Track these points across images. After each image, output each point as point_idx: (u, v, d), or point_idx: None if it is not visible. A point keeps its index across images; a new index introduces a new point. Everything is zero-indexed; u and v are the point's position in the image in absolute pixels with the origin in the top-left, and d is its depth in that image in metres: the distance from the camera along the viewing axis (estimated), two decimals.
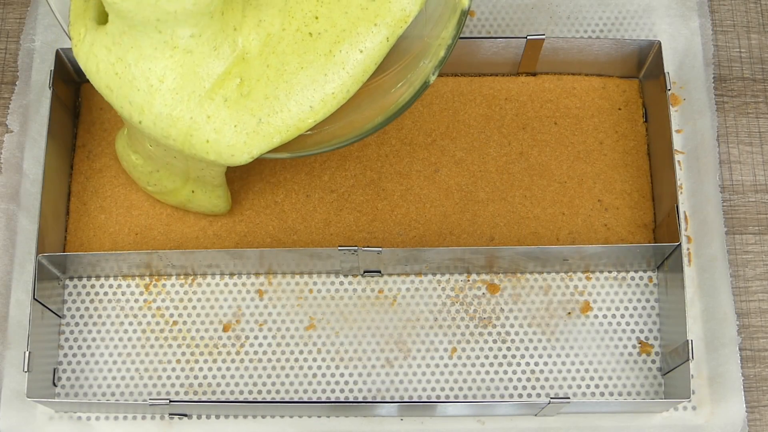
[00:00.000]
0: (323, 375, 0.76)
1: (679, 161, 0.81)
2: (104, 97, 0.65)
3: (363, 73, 0.65)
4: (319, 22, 0.65)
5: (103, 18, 0.65)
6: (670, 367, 0.74)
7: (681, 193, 0.80)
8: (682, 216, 0.79)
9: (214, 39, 0.63)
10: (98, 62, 0.64)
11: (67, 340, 0.77)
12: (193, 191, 0.76)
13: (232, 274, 0.78)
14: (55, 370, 0.76)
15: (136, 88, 0.64)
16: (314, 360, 0.76)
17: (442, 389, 0.76)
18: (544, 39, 0.77)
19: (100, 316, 0.78)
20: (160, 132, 0.65)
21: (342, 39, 0.64)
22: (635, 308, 0.77)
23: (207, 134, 0.64)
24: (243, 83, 0.64)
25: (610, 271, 0.78)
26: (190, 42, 0.63)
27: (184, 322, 0.77)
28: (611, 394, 0.75)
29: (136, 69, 0.63)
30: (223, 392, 0.76)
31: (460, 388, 0.76)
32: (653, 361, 0.76)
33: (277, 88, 0.64)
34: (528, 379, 0.76)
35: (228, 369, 0.76)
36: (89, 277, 0.78)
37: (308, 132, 0.66)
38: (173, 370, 0.76)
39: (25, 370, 0.71)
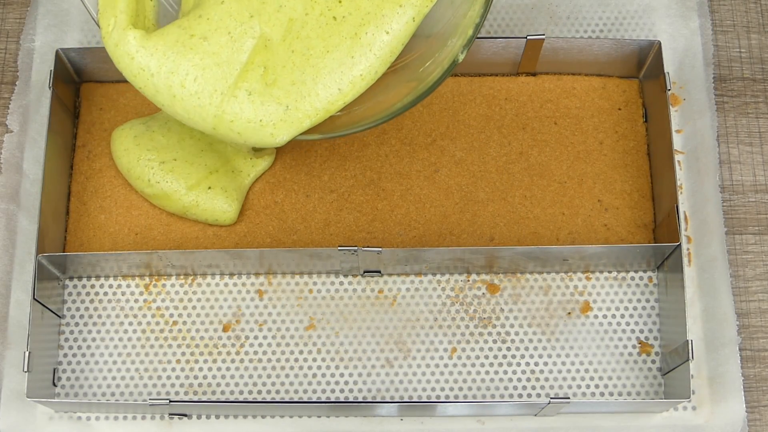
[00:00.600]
0: (323, 375, 0.76)
1: (679, 161, 0.81)
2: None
3: (390, 54, 0.65)
4: (342, 6, 0.65)
5: (132, 12, 0.66)
6: (670, 367, 0.74)
7: (681, 193, 0.80)
8: (682, 216, 0.79)
9: (227, 25, 0.64)
10: (122, 64, 0.65)
11: (67, 340, 0.77)
12: (197, 201, 0.77)
13: (232, 274, 0.78)
14: (55, 370, 0.76)
15: (160, 99, 0.66)
16: (314, 360, 0.76)
17: (442, 389, 0.76)
18: (544, 39, 0.77)
19: (100, 316, 0.78)
20: (192, 125, 0.67)
21: (367, 21, 0.65)
22: (635, 308, 0.77)
23: (232, 134, 0.66)
24: (267, 71, 0.65)
25: (610, 271, 0.78)
26: (204, 26, 0.63)
27: (184, 322, 0.77)
28: (611, 394, 0.75)
29: (158, 78, 0.65)
30: (223, 392, 0.76)
31: (460, 388, 0.76)
32: (653, 361, 0.76)
33: (303, 73, 0.65)
34: (528, 379, 0.76)
35: (228, 369, 0.76)
36: (89, 277, 0.78)
37: (337, 113, 0.67)
38: (173, 370, 0.76)
39: (25, 370, 0.71)
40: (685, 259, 0.78)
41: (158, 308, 0.78)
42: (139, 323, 0.77)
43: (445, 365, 0.76)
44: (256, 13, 0.65)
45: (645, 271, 0.78)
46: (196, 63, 0.65)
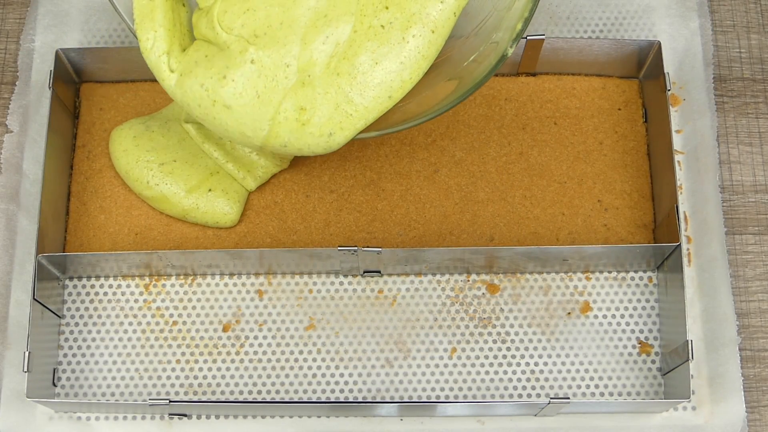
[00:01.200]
0: (323, 375, 0.76)
1: (679, 161, 0.81)
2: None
3: (436, 51, 0.65)
4: (389, 11, 0.65)
5: (170, 23, 0.66)
6: (670, 367, 0.74)
7: (681, 193, 0.80)
8: (681, 216, 0.79)
9: (255, 85, 0.65)
10: (165, 82, 0.66)
11: (67, 340, 0.77)
12: (197, 204, 0.77)
13: (231, 274, 0.78)
14: (55, 370, 0.76)
15: (209, 123, 0.67)
16: (314, 360, 0.76)
17: (442, 389, 0.76)
18: (543, 39, 0.77)
19: (100, 316, 0.78)
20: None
21: (413, 22, 0.64)
22: (635, 308, 0.77)
23: (280, 153, 0.67)
24: (304, 111, 0.65)
25: (609, 272, 0.78)
26: (228, 89, 0.64)
27: (184, 322, 0.77)
28: (611, 394, 0.75)
29: (197, 113, 0.65)
30: (223, 392, 0.76)
31: (460, 388, 0.76)
32: (653, 361, 0.76)
33: (351, 91, 0.64)
34: (528, 379, 0.76)
35: (228, 369, 0.76)
36: (89, 277, 0.78)
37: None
38: (173, 370, 0.76)
39: (25, 370, 0.71)
40: (685, 259, 0.78)
41: (158, 308, 0.78)
42: (139, 323, 0.77)
43: (445, 365, 0.76)
44: (295, 58, 0.64)
45: (645, 271, 0.78)
46: (226, 121, 0.66)
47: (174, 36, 0.67)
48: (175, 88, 0.66)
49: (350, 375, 0.76)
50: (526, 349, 0.77)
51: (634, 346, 0.76)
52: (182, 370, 0.76)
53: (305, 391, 0.76)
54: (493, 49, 0.66)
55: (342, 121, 0.65)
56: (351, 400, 0.76)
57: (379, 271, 0.77)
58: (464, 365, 0.76)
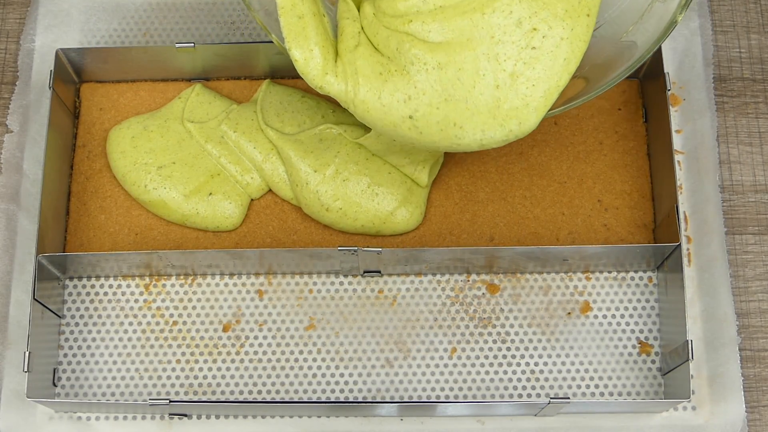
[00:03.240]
0: (323, 375, 0.76)
1: (679, 161, 0.81)
2: None
3: (591, 32, 0.65)
4: (538, 32, 0.65)
5: (323, 39, 0.66)
6: (670, 367, 0.74)
7: (681, 193, 0.80)
8: (681, 216, 0.79)
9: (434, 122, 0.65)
10: (343, 96, 0.66)
11: (67, 340, 0.77)
12: (197, 209, 0.77)
13: (232, 274, 0.78)
14: (55, 370, 0.76)
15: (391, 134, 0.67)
16: (314, 360, 0.76)
17: (442, 389, 0.76)
18: None
19: (100, 316, 0.78)
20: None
21: (567, 18, 0.65)
22: (635, 308, 0.77)
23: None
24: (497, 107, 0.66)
25: (609, 271, 0.78)
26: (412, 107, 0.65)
27: (184, 322, 0.77)
28: (611, 394, 0.75)
29: (387, 122, 0.66)
30: (223, 392, 0.76)
31: (460, 388, 0.76)
32: (653, 361, 0.76)
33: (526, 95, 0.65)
34: (528, 379, 0.76)
35: (228, 369, 0.76)
36: (89, 277, 0.78)
37: None
38: (173, 370, 0.76)
39: (25, 370, 0.71)
40: (685, 259, 0.78)
41: (158, 308, 0.78)
42: (139, 323, 0.77)
43: (445, 365, 0.76)
44: (488, 60, 0.65)
45: (645, 271, 0.78)
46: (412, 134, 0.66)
47: (327, 50, 0.66)
48: (357, 104, 0.66)
49: (350, 375, 0.76)
50: (526, 349, 0.77)
51: (634, 346, 0.76)
52: (182, 370, 0.76)
53: (305, 391, 0.76)
54: (657, 18, 0.66)
55: (521, 123, 0.65)
56: (351, 400, 0.76)
57: (379, 271, 0.77)
58: (464, 365, 0.76)
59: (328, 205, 0.76)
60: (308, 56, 0.65)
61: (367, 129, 0.77)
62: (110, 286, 0.78)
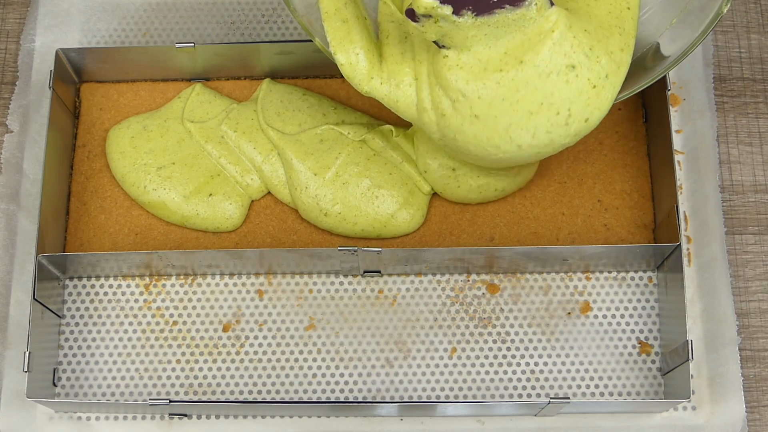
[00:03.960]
0: (323, 375, 0.76)
1: (679, 161, 0.81)
2: None
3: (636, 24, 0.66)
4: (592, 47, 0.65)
5: (367, 41, 0.66)
6: (669, 367, 0.74)
7: (681, 193, 0.80)
8: (681, 216, 0.79)
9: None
10: (399, 103, 0.66)
11: (67, 340, 0.77)
12: (197, 210, 0.77)
13: (232, 274, 0.78)
14: (55, 370, 0.76)
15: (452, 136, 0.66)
16: (314, 360, 0.76)
17: (442, 389, 0.76)
18: None
19: (100, 316, 0.78)
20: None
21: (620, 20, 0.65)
22: (635, 308, 0.77)
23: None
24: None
25: (610, 271, 0.78)
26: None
27: (184, 322, 0.77)
28: (611, 394, 0.75)
29: (445, 122, 0.65)
30: (223, 392, 0.76)
31: (460, 388, 0.76)
32: (653, 361, 0.76)
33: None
34: (528, 379, 0.76)
35: (228, 369, 0.76)
36: (89, 277, 0.78)
37: None
38: (173, 370, 0.76)
39: (25, 370, 0.71)
40: (685, 259, 0.78)
41: (158, 308, 0.78)
42: (139, 323, 0.77)
43: (445, 365, 0.76)
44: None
45: (645, 271, 0.78)
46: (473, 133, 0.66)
47: (372, 53, 0.66)
48: (419, 113, 0.66)
49: (350, 375, 0.76)
50: (526, 349, 0.77)
51: (634, 346, 0.76)
52: (182, 370, 0.76)
53: (305, 391, 0.76)
54: (694, 6, 0.66)
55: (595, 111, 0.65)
56: (351, 400, 0.76)
57: (379, 271, 0.77)
58: (464, 365, 0.76)
59: (327, 210, 0.76)
60: (354, 60, 0.66)
61: (369, 129, 0.77)
62: (110, 286, 0.78)
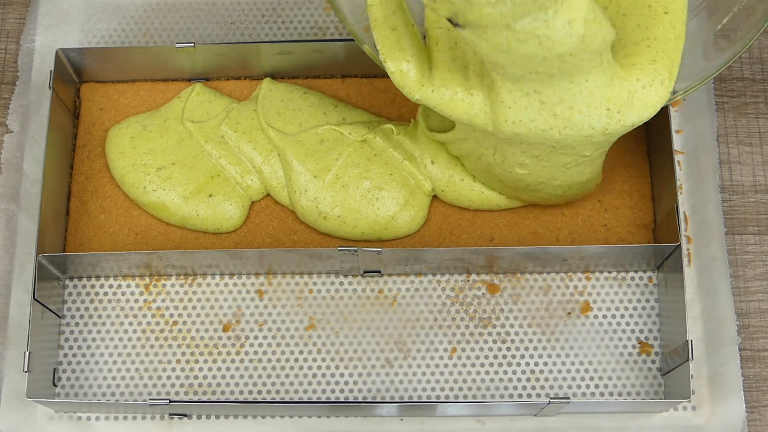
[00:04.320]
0: (323, 375, 0.76)
1: (679, 161, 0.81)
2: None
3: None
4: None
5: (417, 50, 0.66)
6: (669, 367, 0.74)
7: (681, 193, 0.80)
8: (681, 216, 0.79)
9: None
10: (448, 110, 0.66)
11: (67, 340, 0.77)
12: (196, 211, 0.76)
13: (232, 274, 0.78)
14: (55, 370, 0.76)
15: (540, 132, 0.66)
16: (314, 360, 0.76)
17: (442, 389, 0.76)
18: None
19: (100, 316, 0.78)
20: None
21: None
22: (635, 308, 0.77)
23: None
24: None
25: (609, 272, 0.78)
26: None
27: (184, 322, 0.77)
28: (611, 394, 0.75)
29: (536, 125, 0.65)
30: (223, 392, 0.76)
31: (460, 388, 0.76)
32: (653, 361, 0.76)
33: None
34: (528, 379, 0.76)
35: (228, 369, 0.76)
36: (89, 277, 0.78)
37: None
38: (173, 370, 0.76)
39: (25, 370, 0.71)
40: (685, 259, 0.78)
41: (158, 308, 0.78)
42: (139, 323, 0.77)
43: (445, 365, 0.76)
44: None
45: (645, 271, 0.78)
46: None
47: (422, 60, 0.66)
48: (501, 122, 0.65)
49: (350, 375, 0.76)
50: (526, 349, 0.77)
51: (634, 346, 0.76)
52: (182, 370, 0.76)
53: (305, 391, 0.76)
54: (756, 7, 0.66)
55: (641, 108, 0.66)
56: (351, 400, 0.76)
57: (379, 271, 0.77)
58: (464, 365, 0.76)
59: (326, 214, 0.76)
60: (405, 68, 0.65)
61: (370, 128, 0.77)
62: (110, 286, 0.78)
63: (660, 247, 0.74)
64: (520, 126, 0.64)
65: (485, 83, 0.65)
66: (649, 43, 0.65)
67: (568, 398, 0.70)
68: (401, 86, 0.66)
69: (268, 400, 0.76)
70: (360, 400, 0.75)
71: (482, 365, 0.76)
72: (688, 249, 0.78)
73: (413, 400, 0.75)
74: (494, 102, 0.64)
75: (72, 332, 0.77)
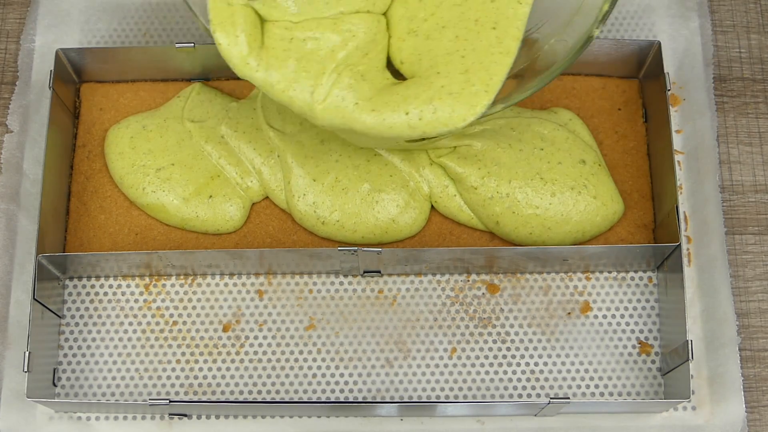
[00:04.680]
0: (323, 375, 0.76)
1: (679, 161, 0.81)
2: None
3: (522, 31, 0.66)
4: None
5: (249, 26, 0.66)
6: (669, 367, 0.74)
7: (681, 193, 0.80)
8: (681, 216, 0.79)
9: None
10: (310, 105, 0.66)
11: (67, 340, 0.77)
12: (196, 213, 0.76)
13: (232, 274, 0.78)
14: (55, 370, 0.76)
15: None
16: (314, 360, 0.76)
17: (442, 389, 0.76)
18: None
19: (100, 316, 0.78)
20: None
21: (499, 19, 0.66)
22: (635, 308, 0.77)
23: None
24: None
25: (610, 272, 0.78)
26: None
27: (184, 322, 0.77)
28: (611, 394, 0.75)
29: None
30: (223, 392, 0.76)
31: (460, 388, 0.76)
32: (653, 361, 0.76)
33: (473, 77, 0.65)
34: (528, 379, 0.76)
35: (228, 369, 0.76)
36: (89, 277, 0.78)
37: None
38: (173, 370, 0.76)
39: (25, 370, 0.71)
40: (685, 260, 0.78)
41: (158, 308, 0.78)
42: (139, 323, 0.77)
43: (445, 365, 0.76)
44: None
45: (645, 271, 0.78)
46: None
47: (255, 38, 0.66)
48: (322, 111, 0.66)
49: (350, 375, 0.76)
50: (526, 349, 0.77)
51: (634, 346, 0.77)
52: (182, 370, 0.76)
53: (305, 391, 0.76)
54: (574, 30, 0.66)
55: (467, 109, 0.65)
56: (351, 400, 0.76)
57: (379, 271, 0.77)
58: (464, 365, 0.76)
59: (324, 219, 0.75)
60: (233, 41, 0.65)
61: None
62: (110, 286, 0.78)
63: (660, 247, 0.74)
64: (334, 114, 0.65)
65: (311, 74, 0.65)
66: (465, 53, 0.65)
67: (568, 398, 0.70)
68: (227, 59, 0.65)
69: (268, 400, 0.76)
70: (360, 400, 0.75)
71: (482, 365, 0.76)
72: (688, 249, 0.78)
73: (413, 400, 0.75)
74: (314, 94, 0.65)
75: (72, 332, 0.77)
